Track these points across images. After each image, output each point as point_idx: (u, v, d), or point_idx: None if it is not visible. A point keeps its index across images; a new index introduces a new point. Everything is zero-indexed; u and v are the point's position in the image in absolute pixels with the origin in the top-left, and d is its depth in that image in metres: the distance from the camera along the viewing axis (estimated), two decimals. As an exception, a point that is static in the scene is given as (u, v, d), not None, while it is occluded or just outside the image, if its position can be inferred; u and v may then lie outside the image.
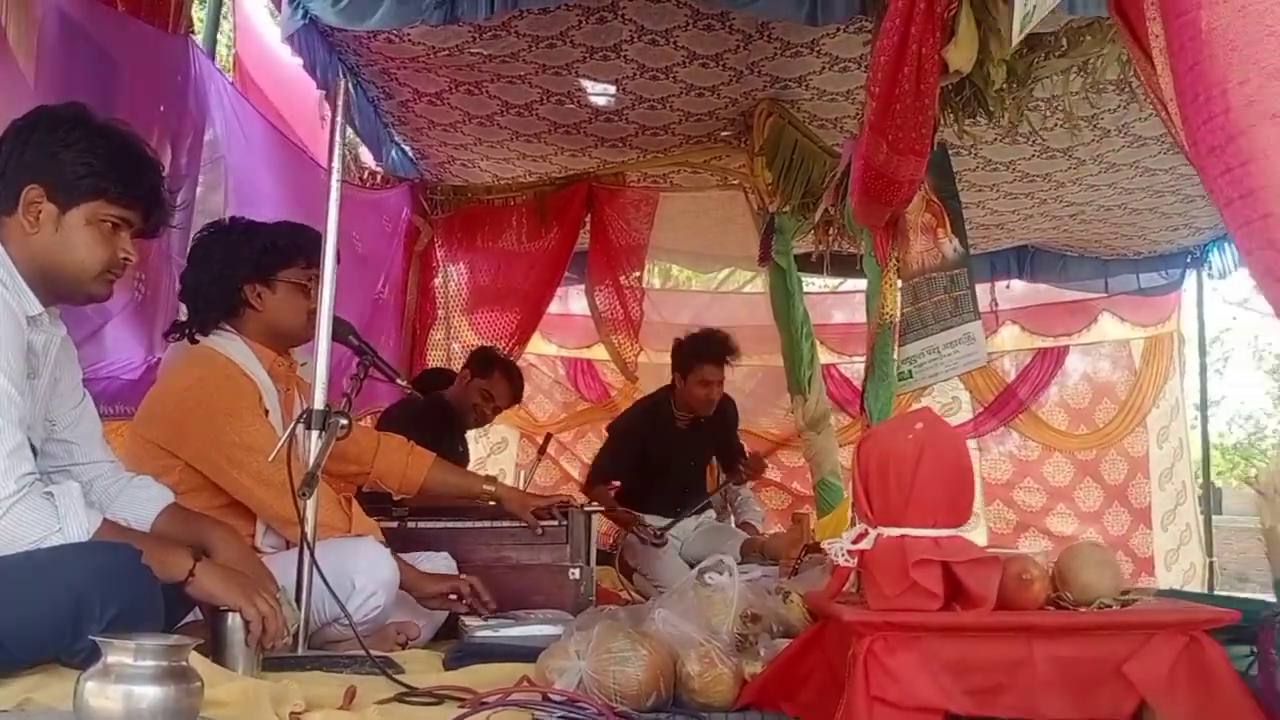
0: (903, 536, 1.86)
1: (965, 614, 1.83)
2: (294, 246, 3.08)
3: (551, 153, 6.09)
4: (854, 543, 1.90)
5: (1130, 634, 1.83)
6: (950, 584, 1.86)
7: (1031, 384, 8.15)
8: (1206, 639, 1.82)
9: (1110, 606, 1.93)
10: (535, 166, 6.33)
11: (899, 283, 4.47)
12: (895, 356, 4.45)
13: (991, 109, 3.90)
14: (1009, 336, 8.27)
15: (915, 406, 7.93)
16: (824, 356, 7.76)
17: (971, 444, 8.18)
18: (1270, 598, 2.18)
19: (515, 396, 5.76)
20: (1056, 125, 5.27)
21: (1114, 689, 1.81)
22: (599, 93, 5.23)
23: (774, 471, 7.75)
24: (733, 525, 6.19)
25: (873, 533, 1.89)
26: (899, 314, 4.48)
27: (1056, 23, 3.71)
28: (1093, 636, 1.84)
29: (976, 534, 8.06)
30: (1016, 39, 2.58)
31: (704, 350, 5.81)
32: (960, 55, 3.44)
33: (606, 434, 6.33)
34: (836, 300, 8.48)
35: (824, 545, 1.98)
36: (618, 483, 5.61)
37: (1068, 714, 1.81)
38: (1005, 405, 8.15)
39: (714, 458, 6.37)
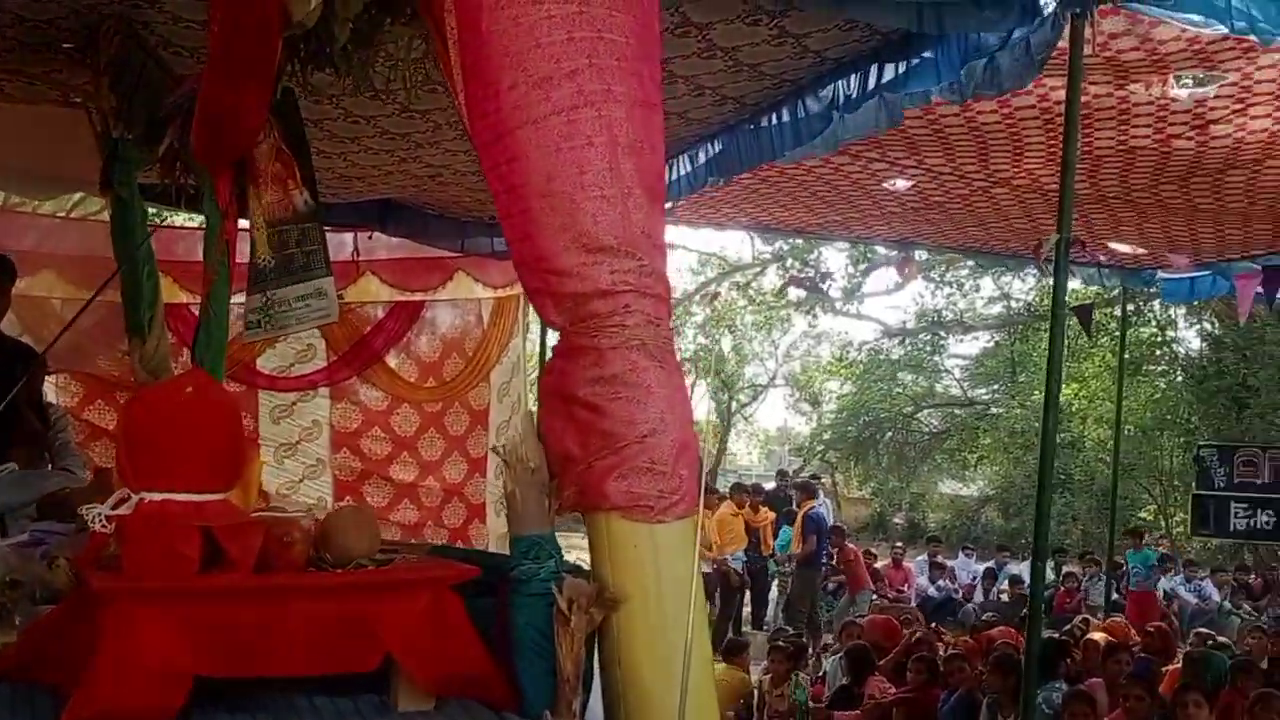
0: (165, 501, 1.84)
1: (218, 578, 1.85)
2: None
3: None
4: (114, 508, 1.83)
5: (380, 592, 1.96)
6: (211, 548, 1.87)
7: (387, 335, 8.38)
8: (449, 594, 1.99)
9: (365, 566, 2.05)
10: None
11: (265, 229, 4.36)
12: (245, 304, 4.34)
13: (337, 64, 3.93)
14: (368, 287, 8.42)
15: (268, 352, 7.84)
16: (180, 296, 7.40)
17: (323, 391, 8.25)
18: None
19: None
20: (417, 87, 5.43)
21: (363, 643, 1.93)
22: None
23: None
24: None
25: (134, 498, 1.85)
26: (264, 260, 4.37)
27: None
28: (345, 595, 1.94)
29: (322, 481, 8.17)
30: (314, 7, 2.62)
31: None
32: (301, 7, 3.42)
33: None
34: (199, 237, 8.10)
35: (82, 510, 1.89)
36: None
37: (318, 669, 1.89)
38: (360, 355, 8.31)
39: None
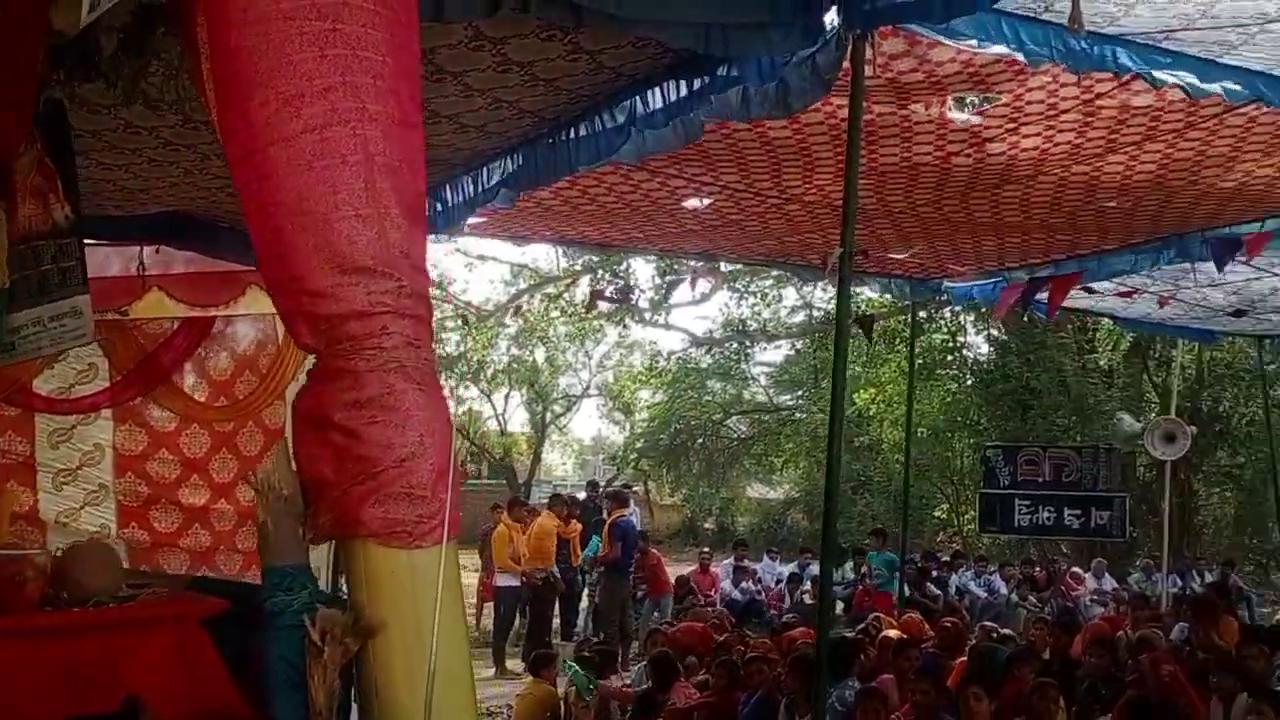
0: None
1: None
2: None
3: None
4: None
5: (121, 630, 1.87)
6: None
7: (175, 353, 8.03)
8: (196, 629, 1.92)
9: (106, 604, 1.95)
10: None
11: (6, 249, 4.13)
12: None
13: (106, 74, 3.76)
14: (156, 303, 8.04)
15: (46, 373, 7.42)
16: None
17: (106, 413, 7.86)
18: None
19: None
20: (194, 98, 5.24)
21: (102, 684, 1.84)
22: None
23: None
24: None
25: None
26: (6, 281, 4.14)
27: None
28: (81, 634, 1.85)
29: (105, 508, 7.78)
30: (85, 19, 2.51)
31: None
32: (63, 17, 3.26)
33: None
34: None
35: None
36: None
37: (55, 713, 1.79)
38: (146, 374, 7.94)
39: None
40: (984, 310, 21.37)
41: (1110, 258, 8.87)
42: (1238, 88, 5.21)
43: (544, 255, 24.97)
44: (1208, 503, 22.88)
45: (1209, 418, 20.05)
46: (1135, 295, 10.21)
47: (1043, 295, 9.61)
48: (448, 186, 7.26)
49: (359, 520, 1.99)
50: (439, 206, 7.43)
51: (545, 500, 14.52)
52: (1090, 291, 9.81)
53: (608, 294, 17.31)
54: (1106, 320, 15.51)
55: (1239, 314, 10.85)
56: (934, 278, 10.50)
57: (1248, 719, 6.11)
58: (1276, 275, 9.16)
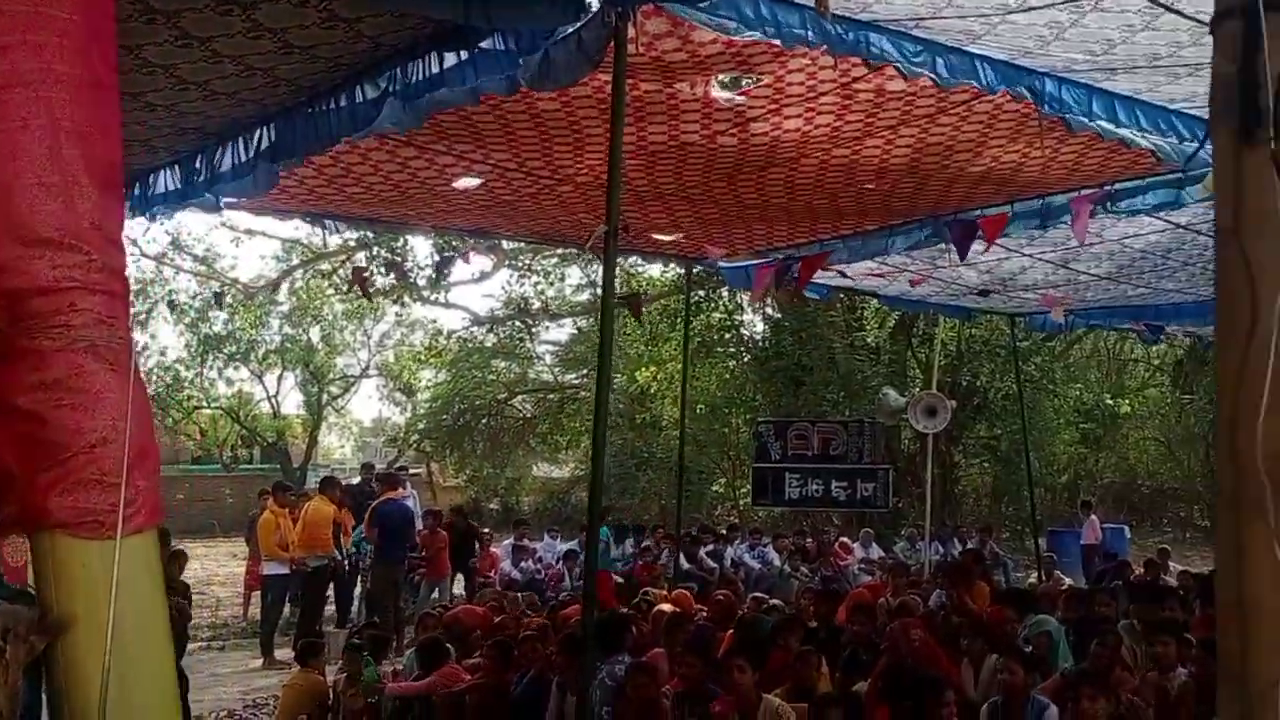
0: None
1: None
2: None
3: None
4: None
5: None
6: None
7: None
8: None
9: None
10: None
11: None
12: None
13: None
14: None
15: None
16: None
17: None
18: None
19: None
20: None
21: None
22: None
23: None
24: None
25: None
26: None
27: None
28: None
29: None
30: None
31: None
32: None
33: None
34: None
35: None
36: None
37: None
38: None
39: None
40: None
41: (871, 239, 9.25)
42: (984, 75, 5.49)
43: (317, 230, 24.16)
44: (967, 473, 24.17)
45: (967, 392, 21.12)
46: (894, 275, 10.69)
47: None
48: (199, 156, 6.96)
49: (46, 510, 1.86)
50: (192, 177, 7.11)
51: (317, 484, 14.13)
52: (844, 275, 10.21)
53: (370, 274, 16.93)
54: (874, 300, 16.18)
55: (984, 293, 11.51)
56: (707, 258, 10.71)
57: (997, 678, 6.43)
58: (1025, 256, 9.71)
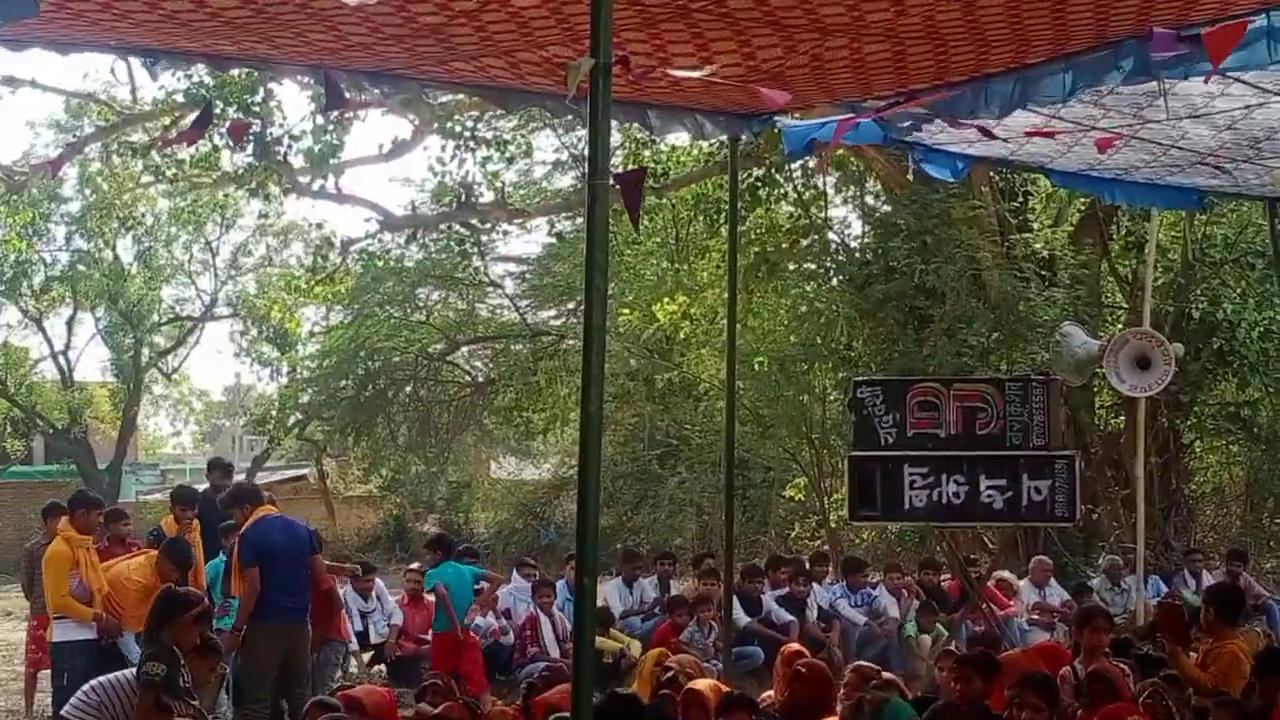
0: None
1: None
2: None
3: None
4: None
5: None
6: None
7: None
8: None
9: None
10: None
11: None
12: None
13: None
14: None
15: None
16: None
17: None
18: None
19: None
20: None
21: None
22: None
23: None
24: None
25: None
26: None
27: None
28: None
29: None
30: None
31: None
32: None
33: None
34: None
35: None
36: None
37: None
38: None
39: None
40: (856, 170, 21.55)
41: (1030, 75, 9.07)
42: None
43: (122, 78, 23.44)
44: (1204, 463, 23.92)
45: (1202, 330, 20.47)
46: (1074, 136, 10.54)
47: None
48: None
49: None
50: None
51: (163, 496, 14.15)
52: (988, 135, 9.95)
53: (177, 135, 16.76)
54: (1043, 179, 15.91)
55: (1222, 167, 11.32)
56: (761, 113, 10.60)
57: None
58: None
